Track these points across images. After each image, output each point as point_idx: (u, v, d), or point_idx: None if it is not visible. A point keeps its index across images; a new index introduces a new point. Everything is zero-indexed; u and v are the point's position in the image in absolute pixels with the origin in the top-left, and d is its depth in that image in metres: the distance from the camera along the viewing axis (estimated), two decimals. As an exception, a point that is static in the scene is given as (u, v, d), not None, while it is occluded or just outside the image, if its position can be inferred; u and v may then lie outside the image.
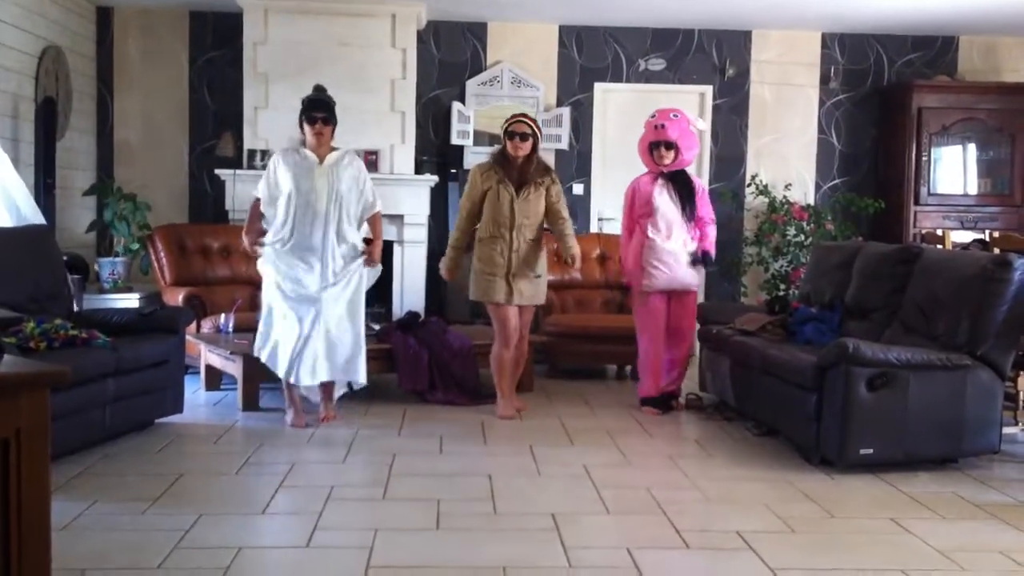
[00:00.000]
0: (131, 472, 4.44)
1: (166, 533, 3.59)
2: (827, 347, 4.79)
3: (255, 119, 7.62)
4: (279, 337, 5.32)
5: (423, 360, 6.08)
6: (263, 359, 5.38)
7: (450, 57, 8.40)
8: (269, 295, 5.38)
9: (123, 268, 7.30)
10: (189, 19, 8.20)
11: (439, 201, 8.12)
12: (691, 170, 6.11)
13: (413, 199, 7.75)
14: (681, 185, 5.85)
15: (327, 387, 5.50)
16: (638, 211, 5.90)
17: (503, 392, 5.75)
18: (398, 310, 7.60)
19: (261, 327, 5.40)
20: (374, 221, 5.61)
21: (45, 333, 4.65)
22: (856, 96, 8.68)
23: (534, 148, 5.65)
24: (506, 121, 5.73)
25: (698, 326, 6.29)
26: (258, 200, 5.46)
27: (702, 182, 6.19)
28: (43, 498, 2.18)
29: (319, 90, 5.52)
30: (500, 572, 3.29)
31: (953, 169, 8.47)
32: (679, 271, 5.83)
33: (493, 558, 3.42)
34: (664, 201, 5.82)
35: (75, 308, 5.69)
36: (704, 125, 6.05)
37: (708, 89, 8.55)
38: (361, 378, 5.49)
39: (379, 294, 7.92)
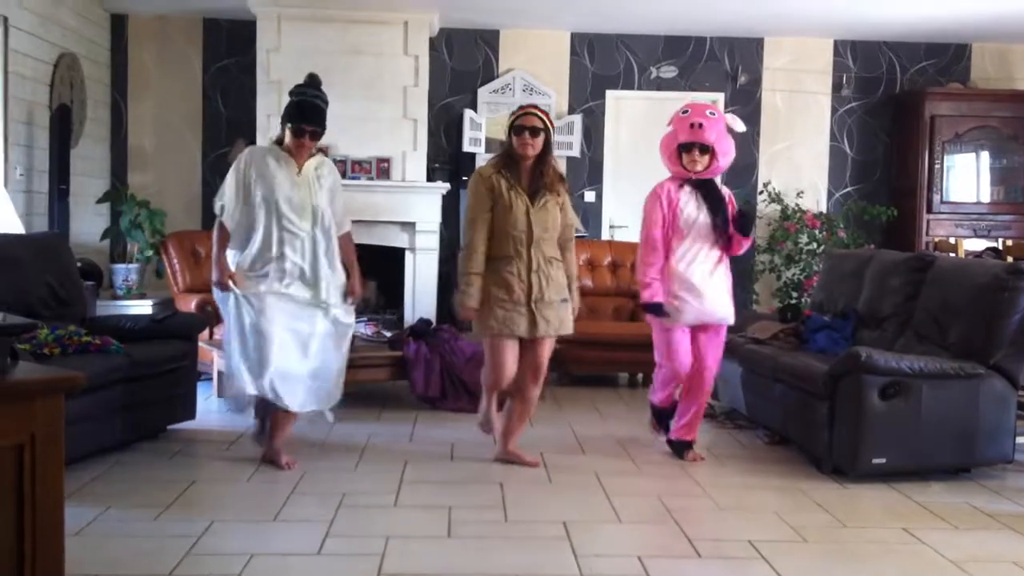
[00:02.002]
0: (143, 478, 4.46)
1: (178, 539, 3.60)
2: (840, 355, 4.78)
3: (268, 126, 7.63)
4: (255, 354, 4.49)
5: (435, 367, 6.08)
6: (253, 389, 4.52)
7: (462, 65, 8.42)
8: (240, 320, 4.52)
9: (136, 275, 7.34)
10: (203, 27, 8.25)
11: (451, 208, 8.13)
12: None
13: (425, 206, 7.77)
14: (711, 196, 4.86)
15: (286, 424, 4.72)
16: (666, 219, 4.83)
17: (491, 415, 4.92)
18: (410, 317, 7.61)
19: (231, 359, 4.56)
20: (344, 242, 4.77)
21: (59, 339, 4.67)
22: (869, 103, 8.66)
23: (547, 147, 4.67)
24: (512, 114, 4.74)
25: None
26: (222, 221, 4.57)
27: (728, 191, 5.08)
28: (57, 503, 2.19)
29: (312, 84, 4.64)
30: (511, 580, 3.29)
31: (966, 177, 8.44)
32: (709, 301, 4.80)
33: (504, 566, 3.42)
34: (693, 214, 4.83)
35: (88, 314, 5.71)
36: (743, 127, 4.95)
37: (720, 97, 8.55)
38: (335, 402, 4.77)
39: (391, 301, 7.95)
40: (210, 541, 3.61)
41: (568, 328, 4.71)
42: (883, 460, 4.57)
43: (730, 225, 4.83)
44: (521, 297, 4.56)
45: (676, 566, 3.49)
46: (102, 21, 7.96)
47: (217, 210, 4.62)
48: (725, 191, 4.98)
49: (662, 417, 5.21)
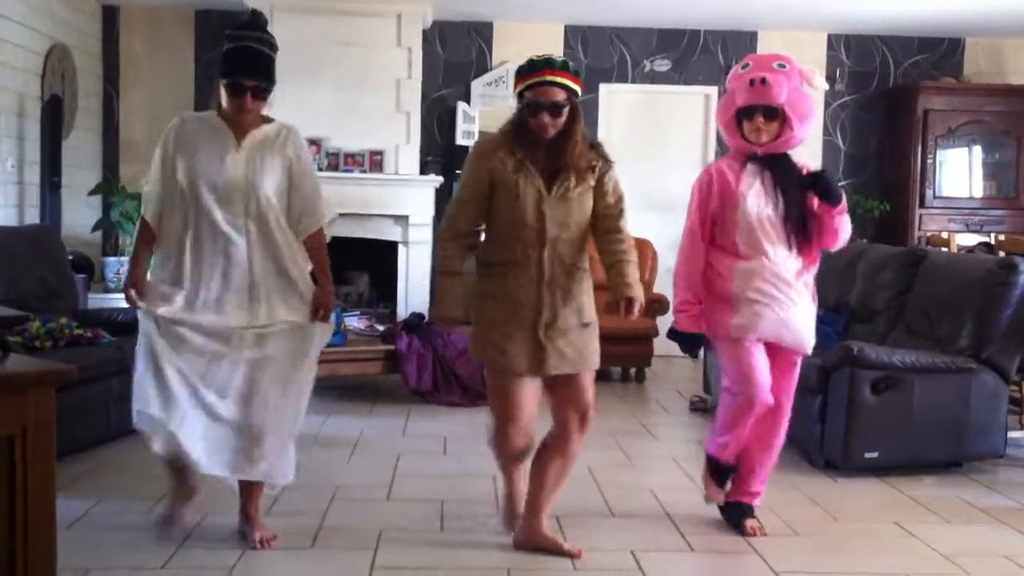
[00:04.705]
0: (135, 471, 4.44)
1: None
2: (832, 350, 4.79)
3: (260, 118, 7.61)
4: (161, 389, 3.38)
5: (428, 361, 6.08)
6: (136, 422, 3.45)
7: (455, 57, 8.40)
8: (146, 342, 3.44)
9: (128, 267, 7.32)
10: (195, 18, 8.21)
11: (444, 202, 8.10)
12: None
13: (418, 199, 7.75)
14: (784, 175, 3.62)
15: (250, 490, 3.58)
16: (715, 211, 3.67)
17: (514, 498, 3.66)
18: (403, 311, 7.60)
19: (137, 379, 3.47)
20: (313, 242, 3.48)
21: (50, 332, 4.66)
22: (862, 98, 8.66)
23: (574, 116, 3.35)
24: (523, 77, 3.34)
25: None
26: (143, 215, 3.46)
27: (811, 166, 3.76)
28: (49, 496, 2.18)
29: (255, 24, 3.39)
30: (504, 574, 3.30)
31: (959, 171, 8.45)
32: (794, 314, 3.63)
33: (497, 560, 3.42)
34: (757, 199, 3.61)
35: (80, 307, 5.69)
36: (824, 84, 3.74)
37: (714, 90, 8.54)
38: (285, 478, 3.54)
39: (383, 294, 7.94)
40: (202, 534, 3.61)
41: (593, 362, 3.44)
42: (875, 454, 4.59)
43: (809, 219, 3.64)
44: (526, 319, 3.33)
45: (669, 560, 3.50)
46: (94, 11, 7.92)
47: (144, 190, 3.53)
48: (804, 168, 3.69)
49: (724, 473, 3.86)
